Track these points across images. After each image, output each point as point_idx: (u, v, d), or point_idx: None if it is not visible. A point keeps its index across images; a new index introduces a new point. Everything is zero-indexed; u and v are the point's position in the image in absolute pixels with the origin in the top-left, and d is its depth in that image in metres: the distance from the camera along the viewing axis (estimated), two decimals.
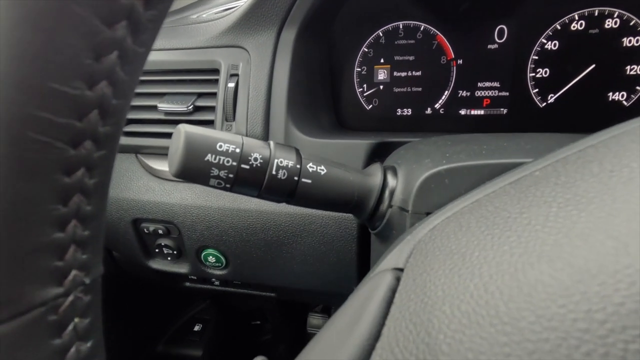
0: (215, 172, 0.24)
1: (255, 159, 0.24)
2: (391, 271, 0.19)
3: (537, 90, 0.47)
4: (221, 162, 0.24)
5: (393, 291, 0.17)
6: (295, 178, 0.26)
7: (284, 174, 0.25)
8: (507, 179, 0.20)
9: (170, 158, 0.25)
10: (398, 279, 0.18)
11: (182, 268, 0.49)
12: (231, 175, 0.24)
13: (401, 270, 0.19)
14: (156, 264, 0.50)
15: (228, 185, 0.25)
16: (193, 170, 0.23)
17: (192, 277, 0.49)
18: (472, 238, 0.16)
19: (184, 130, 0.24)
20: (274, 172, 0.25)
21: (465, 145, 0.29)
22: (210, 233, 0.44)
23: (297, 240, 0.41)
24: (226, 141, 0.24)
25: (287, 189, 0.26)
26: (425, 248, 0.18)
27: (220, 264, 0.46)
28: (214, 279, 0.49)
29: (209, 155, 0.23)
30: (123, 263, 0.56)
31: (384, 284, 0.18)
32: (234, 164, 0.24)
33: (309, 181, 0.26)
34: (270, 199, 0.27)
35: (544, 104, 0.47)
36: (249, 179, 0.25)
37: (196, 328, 0.79)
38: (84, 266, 0.14)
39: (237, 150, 0.24)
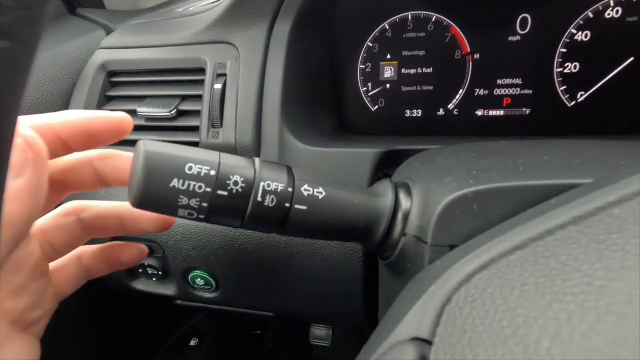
0: (184, 201, 0.19)
1: (236, 183, 0.19)
2: (412, 344, 0.14)
3: (565, 87, 0.41)
4: (191, 188, 0.19)
5: None
6: (287, 205, 0.21)
7: (272, 200, 0.20)
8: (565, 214, 0.15)
9: (129, 183, 0.20)
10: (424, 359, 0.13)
11: (168, 290, 0.44)
12: (205, 205, 0.19)
13: (427, 342, 0.14)
14: (140, 285, 0.45)
15: (202, 216, 0.20)
16: (156, 199, 0.19)
17: (181, 299, 0.45)
18: (533, 312, 0.11)
19: (143, 148, 0.19)
20: (259, 199, 0.20)
21: (495, 159, 0.24)
22: (197, 254, 0.39)
23: (295, 262, 0.36)
24: (198, 161, 0.19)
25: (277, 218, 0.21)
26: (460, 315, 0.13)
27: (210, 287, 0.41)
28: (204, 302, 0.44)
29: (176, 180, 0.18)
30: (107, 281, 0.51)
31: None
32: (208, 190, 0.19)
33: (304, 208, 0.21)
34: (257, 230, 0.22)
35: (573, 103, 0.42)
36: (228, 208, 0.20)
37: (192, 343, 0.75)
38: None
39: (212, 172, 0.19)
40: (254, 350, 0.90)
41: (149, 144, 0.19)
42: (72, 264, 0.28)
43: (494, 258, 0.15)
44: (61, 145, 0.22)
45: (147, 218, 0.28)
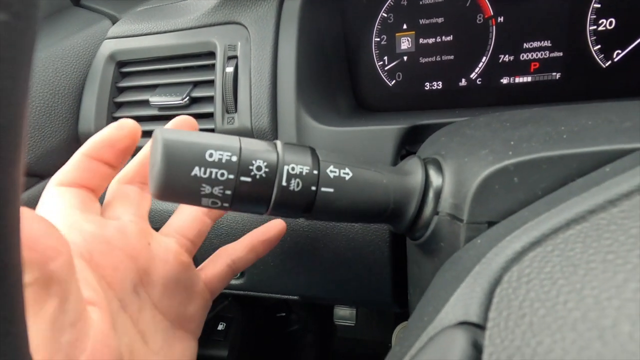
0: (207, 189, 0.18)
1: (259, 168, 0.18)
2: (461, 329, 0.13)
3: (599, 47, 0.38)
4: (213, 175, 0.18)
5: None
6: (313, 188, 0.20)
7: (298, 184, 0.19)
8: (627, 181, 0.14)
9: (150, 174, 0.19)
10: (476, 346, 0.12)
11: None
12: (228, 192, 0.18)
13: (477, 327, 0.13)
14: None
15: (226, 204, 0.19)
16: (177, 189, 0.18)
17: None
18: (605, 293, 0.10)
19: (161, 137, 0.18)
20: (284, 183, 0.19)
21: (533, 127, 0.22)
22: (220, 242, 0.39)
23: (318, 246, 0.36)
24: (218, 147, 0.18)
25: (303, 203, 0.20)
26: (515, 297, 0.12)
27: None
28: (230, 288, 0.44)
29: (197, 168, 0.18)
30: None
31: (455, 358, 0.12)
32: (231, 176, 0.18)
33: (331, 190, 0.20)
34: (283, 216, 0.21)
35: (608, 63, 0.39)
36: (252, 194, 0.19)
37: (220, 327, 0.76)
38: None
39: (234, 158, 0.18)
40: (279, 332, 0.92)
41: (166, 132, 0.18)
42: (220, 259, 0.30)
43: (546, 234, 0.14)
44: (106, 167, 0.23)
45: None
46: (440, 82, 0.43)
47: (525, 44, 0.40)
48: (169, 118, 0.41)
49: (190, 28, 0.39)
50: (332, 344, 0.95)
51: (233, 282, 0.43)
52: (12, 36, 0.06)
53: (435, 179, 0.23)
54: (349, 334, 0.95)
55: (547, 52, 0.40)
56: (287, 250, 0.37)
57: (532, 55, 0.40)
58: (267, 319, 0.90)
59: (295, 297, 0.46)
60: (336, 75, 0.41)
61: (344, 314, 0.91)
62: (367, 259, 0.35)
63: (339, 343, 0.95)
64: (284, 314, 0.94)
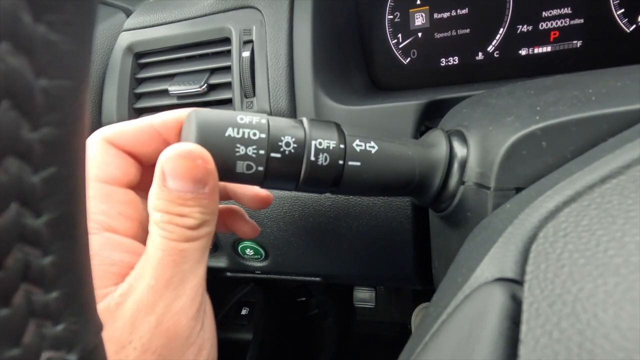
0: (241, 150, 0.18)
1: (287, 144, 0.19)
2: (499, 285, 0.13)
3: (622, 10, 0.37)
4: (246, 135, 0.18)
5: (514, 320, 0.12)
6: (341, 162, 0.20)
7: (326, 158, 0.20)
8: None
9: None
10: (515, 299, 0.13)
11: (219, 262, 0.46)
12: (261, 169, 0.19)
13: (514, 282, 0.13)
14: None
15: (261, 168, 0.19)
16: (213, 150, 0.18)
17: (231, 270, 0.47)
18: None
19: (192, 111, 0.19)
20: (312, 158, 0.19)
21: (559, 91, 0.22)
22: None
23: (341, 225, 0.36)
24: (248, 114, 0.19)
25: (332, 177, 0.20)
26: (553, 251, 0.13)
27: (259, 256, 0.42)
28: (255, 271, 0.45)
29: (230, 129, 0.18)
30: None
31: (494, 310, 0.12)
32: (262, 152, 0.19)
33: (358, 163, 0.21)
34: (311, 191, 0.21)
35: (632, 27, 0.37)
36: (282, 170, 0.19)
37: (243, 312, 0.79)
38: (63, 341, 0.09)
39: (263, 135, 0.19)
40: (300, 317, 0.94)
41: (197, 109, 0.19)
42: None
43: (580, 191, 0.14)
44: (163, 142, 0.24)
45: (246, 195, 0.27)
46: (457, 57, 0.42)
47: (544, 13, 0.39)
48: (188, 106, 0.42)
49: (205, 15, 0.39)
50: (352, 327, 0.97)
51: (257, 264, 0.44)
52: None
53: (460, 150, 0.23)
54: (369, 316, 0.96)
55: (568, 20, 0.38)
56: (310, 231, 0.38)
57: (551, 24, 0.39)
58: (288, 303, 0.92)
59: (318, 278, 0.47)
60: (351, 55, 0.41)
61: (363, 297, 0.92)
62: (390, 235, 0.35)
63: (358, 325, 0.97)
64: (304, 299, 0.96)
